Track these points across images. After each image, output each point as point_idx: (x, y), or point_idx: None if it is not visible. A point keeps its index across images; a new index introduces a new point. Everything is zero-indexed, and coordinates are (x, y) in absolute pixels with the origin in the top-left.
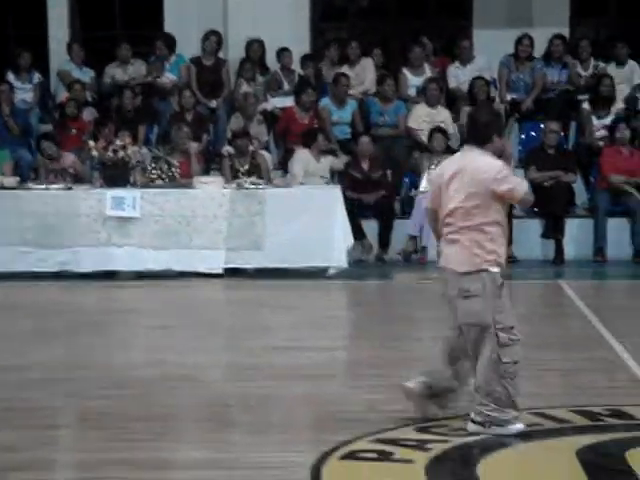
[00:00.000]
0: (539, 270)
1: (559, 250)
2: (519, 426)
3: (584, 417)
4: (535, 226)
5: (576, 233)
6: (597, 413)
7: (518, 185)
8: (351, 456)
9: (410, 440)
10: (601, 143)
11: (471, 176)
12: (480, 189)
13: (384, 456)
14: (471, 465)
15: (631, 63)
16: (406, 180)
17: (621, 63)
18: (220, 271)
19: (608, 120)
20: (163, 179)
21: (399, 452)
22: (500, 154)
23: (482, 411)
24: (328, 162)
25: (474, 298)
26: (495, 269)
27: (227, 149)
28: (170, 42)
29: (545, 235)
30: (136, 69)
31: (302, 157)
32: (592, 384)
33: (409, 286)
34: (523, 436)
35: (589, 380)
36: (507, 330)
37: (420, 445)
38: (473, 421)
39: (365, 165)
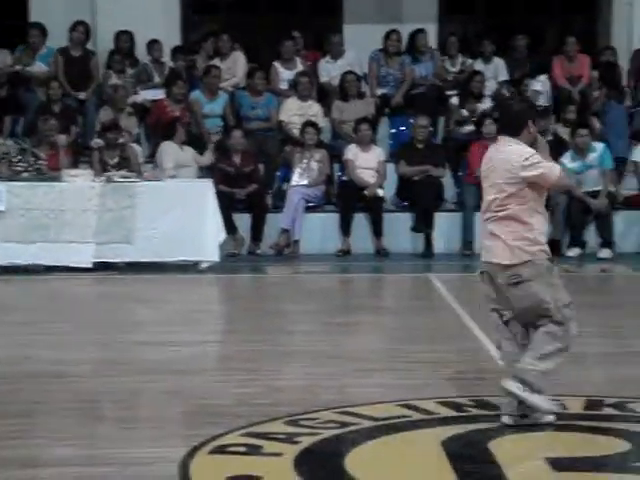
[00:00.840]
0: (409, 263)
1: (428, 244)
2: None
3: (450, 408)
4: (405, 220)
5: (445, 227)
6: (463, 404)
7: (549, 169)
8: (220, 450)
9: (279, 433)
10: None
11: (502, 167)
12: (511, 179)
13: (253, 450)
14: (339, 457)
15: (497, 60)
16: (278, 174)
17: (487, 60)
18: (90, 265)
19: (476, 115)
20: (30, 172)
21: (268, 446)
22: (532, 142)
23: (526, 374)
24: (191, 151)
25: (526, 283)
26: (540, 260)
27: (96, 142)
28: (43, 32)
29: (415, 229)
30: (1, 59)
31: (169, 149)
32: (459, 375)
33: (281, 280)
34: (389, 428)
35: (456, 371)
36: (567, 306)
37: (289, 438)
38: (516, 377)
39: (237, 159)
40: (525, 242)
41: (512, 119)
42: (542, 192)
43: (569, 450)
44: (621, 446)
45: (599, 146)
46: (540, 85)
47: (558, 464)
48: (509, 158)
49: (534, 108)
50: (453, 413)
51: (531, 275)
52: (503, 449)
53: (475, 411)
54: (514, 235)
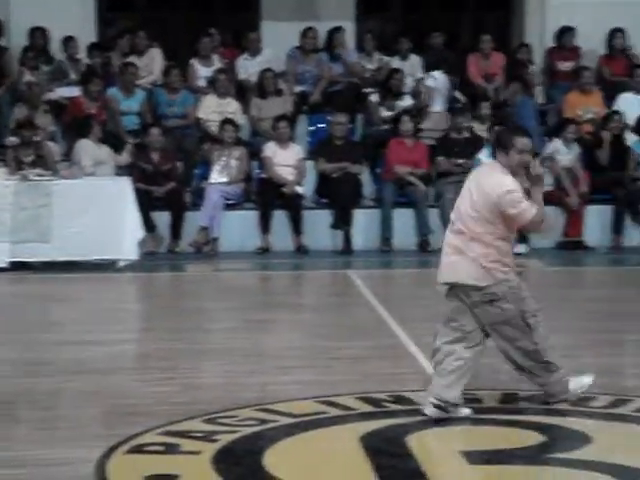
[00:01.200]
0: (328, 260)
1: (347, 240)
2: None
3: (368, 404)
4: (324, 217)
5: (364, 223)
6: (381, 399)
7: (524, 211)
8: (137, 450)
9: (197, 432)
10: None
11: (478, 189)
12: (485, 205)
13: (170, 449)
14: (257, 455)
15: (413, 57)
16: (197, 171)
17: (404, 57)
18: (5, 265)
19: (394, 112)
20: None
21: (185, 444)
22: (516, 171)
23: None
24: (107, 149)
25: (499, 301)
26: (512, 277)
27: (11, 140)
28: None
29: (334, 226)
30: None
31: (85, 147)
32: (377, 371)
33: (201, 277)
34: (308, 424)
35: (375, 367)
36: (532, 315)
37: (207, 436)
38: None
39: (155, 156)
40: (499, 264)
41: (495, 140)
42: (514, 224)
43: (484, 443)
44: (535, 438)
45: None
46: (432, 81)
47: (473, 457)
48: (487, 185)
49: (514, 136)
50: (371, 409)
51: (504, 293)
52: (420, 443)
53: (393, 406)
54: (489, 257)
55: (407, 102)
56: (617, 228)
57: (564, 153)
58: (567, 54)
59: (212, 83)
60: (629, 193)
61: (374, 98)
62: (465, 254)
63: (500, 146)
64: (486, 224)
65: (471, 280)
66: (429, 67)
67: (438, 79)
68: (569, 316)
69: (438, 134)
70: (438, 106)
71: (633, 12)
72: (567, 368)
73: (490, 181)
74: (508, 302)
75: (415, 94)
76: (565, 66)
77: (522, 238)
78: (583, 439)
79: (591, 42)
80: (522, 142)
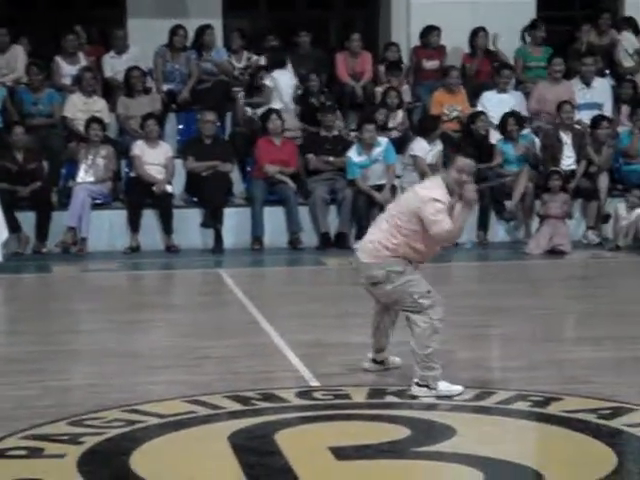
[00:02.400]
0: (199, 259)
1: (218, 239)
2: (457, 387)
3: (238, 402)
4: (194, 215)
5: (234, 222)
6: (250, 397)
7: (440, 222)
8: None
9: (62, 435)
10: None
11: (413, 191)
12: (410, 206)
13: (34, 452)
14: (124, 456)
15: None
16: (63, 171)
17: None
18: None
19: (259, 111)
20: None
21: (50, 447)
22: (453, 188)
23: (422, 374)
24: None
25: (381, 284)
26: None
27: None
28: None
29: (204, 224)
30: None
31: None
32: (248, 369)
33: (69, 278)
34: (176, 425)
35: (245, 365)
36: (425, 295)
37: (72, 439)
38: (418, 384)
39: (19, 156)
40: (386, 249)
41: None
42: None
43: (352, 439)
44: (402, 432)
45: (383, 141)
46: (270, 80)
47: (342, 453)
48: (417, 190)
49: (453, 154)
50: (240, 407)
51: (382, 278)
52: (289, 440)
53: (262, 404)
54: (381, 242)
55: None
56: (483, 224)
57: (428, 150)
58: (432, 52)
59: (78, 81)
60: (494, 189)
61: (241, 97)
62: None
63: (444, 162)
64: (407, 223)
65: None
66: (275, 66)
67: (278, 78)
68: None
69: (292, 133)
70: (279, 104)
71: (498, 12)
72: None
73: (424, 187)
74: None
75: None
76: (430, 65)
77: None
78: (449, 432)
79: (456, 41)
80: (463, 162)
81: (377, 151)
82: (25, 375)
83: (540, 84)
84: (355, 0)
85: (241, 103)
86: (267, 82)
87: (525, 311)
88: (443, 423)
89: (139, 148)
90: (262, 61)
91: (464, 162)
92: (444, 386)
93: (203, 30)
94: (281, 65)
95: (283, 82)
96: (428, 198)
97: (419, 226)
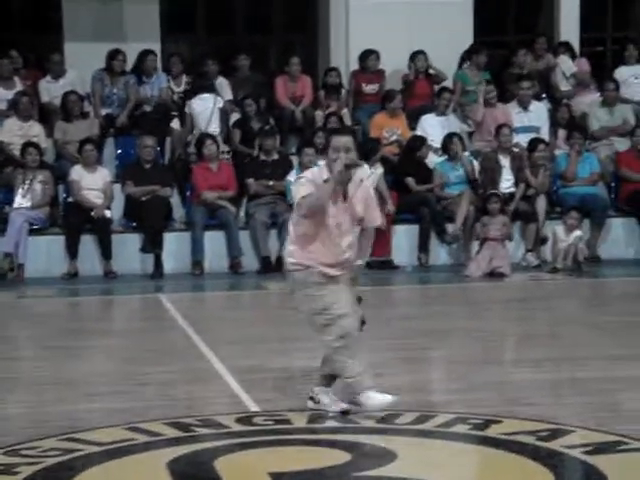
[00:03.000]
0: (138, 284)
1: (158, 264)
2: (388, 397)
3: (177, 429)
4: (134, 240)
5: (174, 247)
6: (189, 424)
7: (297, 190)
8: None
9: None
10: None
11: None
12: None
13: None
14: None
15: (221, 79)
16: (0, 196)
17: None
18: None
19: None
20: None
21: None
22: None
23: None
24: None
25: (292, 295)
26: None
27: None
28: None
29: (144, 249)
30: None
31: None
32: (187, 395)
33: (5, 305)
34: (114, 453)
35: (184, 391)
36: (319, 313)
37: (7, 469)
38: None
39: None
40: (292, 258)
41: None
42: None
43: (293, 464)
44: (342, 457)
45: (322, 164)
46: (187, 107)
47: (282, 478)
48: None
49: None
50: (180, 434)
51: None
52: (229, 467)
53: (202, 430)
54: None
55: (213, 127)
56: (423, 247)
57: (370, 174)
58: (371, 76)
59: (14, 106)
60: (434, 212)
61: (175, 124)
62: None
63: (324, 145)
64: (296, 221)
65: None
66: (200, 90)
67: (195, 103)
68: (377, 335)
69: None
70: (210, 128)
71: (435, 36)
72: (376, 387)
73: None
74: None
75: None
76: (370, 88)
77: None
78: (389, 456)
79: (395, 64)
80: (335, 140)
81: None
82: None
83: (477, 108)
84: (294, 24)
85: (176, 129)
86: (186, 109)
87: (465, 333)
88: (384, 447)
89: (77, 173)
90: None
91: (336, 140)
92: (372, 399)
93: (145, 55)
94: (207, 90)
95: (203, 107)
96: (295, 180)
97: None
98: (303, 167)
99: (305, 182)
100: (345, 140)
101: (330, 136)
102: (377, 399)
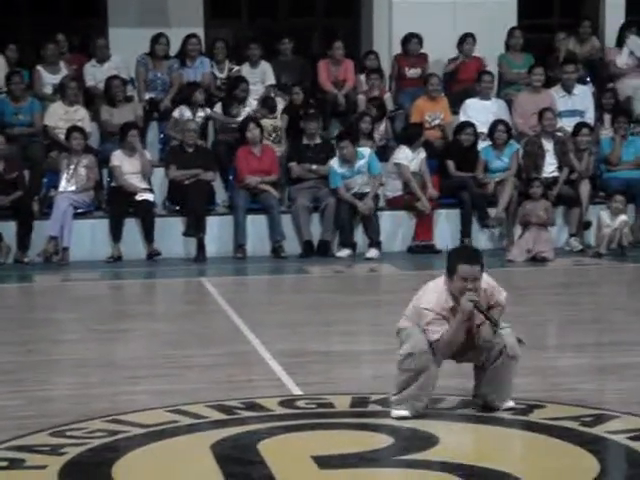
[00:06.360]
0: (181, 268)
1: (201, 248)
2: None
3: (220, 411)
4: (177, 224)
5: (217, 230)
6: (233, 407)
7: (427, 332)
8: None
9: (43, 446)
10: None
11: (417, 295)
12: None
13: (15, 464)
14: (106, 466)
15: (263, 64)
16: (45, 180)
17: (254, 64)
18: None
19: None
20: None
21: (31, 459)
22: (458, 296)
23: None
24: None
25: None
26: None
27: None
28: None
29: (187, 233)
30: None
31: None
32: (230, 378)
33: (50, 288)
34: (158, 434)
35: (227, 374)
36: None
37: (54, 450)
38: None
39: (0, 166)
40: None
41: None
42: None
43: (335, 447)
44: (385, 441)
45: (366, 152)
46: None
47: (324, 462)
48: (421, 295)
49: (455, 263)
50: (223, 416)
51: None
52: (272, 449)
53: (245, 413)
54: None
55: (251, 109)
56: (465, 231)
57: (411, 158)
58: (414, 60)
59: (59, 90)
60: (476, 197)
61: (218, 108)
62: None
63: (447, 269)
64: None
65: None
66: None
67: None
68: None
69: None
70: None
71: (479, 19)
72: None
73: (418, 297)
74: None
75: (265, 100)
76: (412, 72)
77: (373, 243)
78: (432, 440)
79: (438, 48)
80: (463, 270)
81: (360, 163)
82: (6, 385)
83: (521, 93)
84: (337, 8)
85: (218, 112)
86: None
87: (508, 318)
88: (426, 431)
89: (117, 158)
90: (242, 72)
91: (464, 270)
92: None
93: (188, 39)
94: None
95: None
96: (419, 307)
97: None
98: (342, 158)
99: (433, 319)
100: (475, 271)
101: (458, 263)
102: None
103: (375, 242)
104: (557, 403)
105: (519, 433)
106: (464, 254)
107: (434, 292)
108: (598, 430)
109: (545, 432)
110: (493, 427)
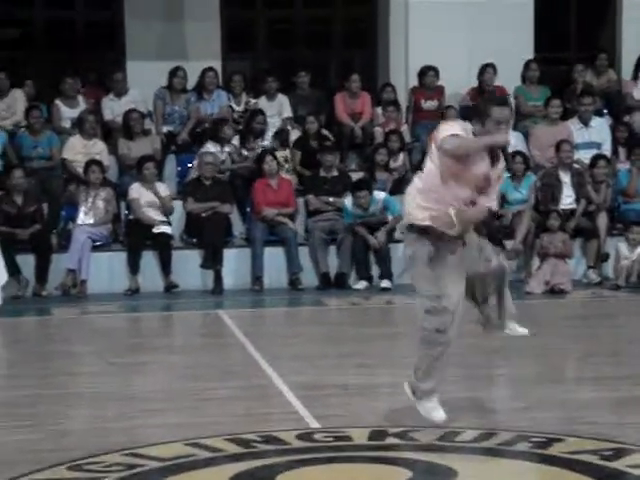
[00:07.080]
0: (199, 300)
1: (218, 280)
2: (440, 414)
3: (237, 445)
4: (194, 256)
5: (234, 263)
6: (250, 440)
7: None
8: None
9: None
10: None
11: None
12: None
13: None
14: None
15: (280, 97)
16: (63, 213)
17: (271, 97)
18: None
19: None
20: None
21: None
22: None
23: (413, 381)
24: None
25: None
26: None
27: None
28: None
29: (204, 265)
30: None
31: None
32: (247, 411)
33: (68, 321)
34: (176, 468)
35: (245, 407)
36: (433, 298)
37: None
38: (410, 385)
39: (19, 199)
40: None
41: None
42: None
43: None
44: (403, 474)
45: (380, 197)
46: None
47: None
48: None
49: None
50: (241, 450)
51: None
52: None
53: (263, 446)
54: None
55: (268, 142)
56: None
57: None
58: (430, 93)
59: (78, 124)
60: (491, 228)
61: (235, 140)
62: None
63: (476, 115)
64: (426, 176)
65: None
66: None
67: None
68: None
69: None
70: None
71: (496, 48)
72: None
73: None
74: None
75: (280, 133)
76: (429, 105)
77: (385, 274)
78: (450, 474)
79: (454, 81)
80: (497, 112)
81: (373, 208)
82: (24, 419)
83: (538, 125)
84: (354, 40)
85: (235, 145)
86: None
87: (526, 350)
88: (444, 465)
89: (136, 191)
90: (259, 104)
91: (498, 111)
92: (424, 410)
93: (205, 72)
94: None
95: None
96: (442, 129)
97: (437, 172)
98: (357, 204)
99: (458, 128)
100: (508, 114)
101: (491, 105)
102: (431, 415)
103: (386, 274)
104: (576, 436)
105: (538, 467)
106: (495, 98)
107: (458, 125)
108: (618, 464)
109: (564, 466)
110: (512, 461)
